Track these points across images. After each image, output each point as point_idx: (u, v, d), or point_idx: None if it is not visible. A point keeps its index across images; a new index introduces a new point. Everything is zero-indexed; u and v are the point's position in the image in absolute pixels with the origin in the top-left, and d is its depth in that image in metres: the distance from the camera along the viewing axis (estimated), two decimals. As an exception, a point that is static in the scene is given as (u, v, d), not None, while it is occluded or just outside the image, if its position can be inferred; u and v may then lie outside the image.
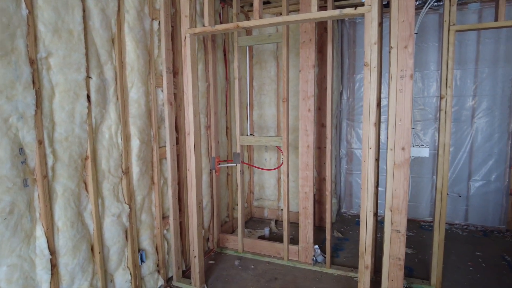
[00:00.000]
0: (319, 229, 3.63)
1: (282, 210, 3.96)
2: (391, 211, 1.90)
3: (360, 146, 4.15)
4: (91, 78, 1.93)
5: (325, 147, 3.63)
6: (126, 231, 2.23)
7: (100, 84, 1.99)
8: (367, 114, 1.88)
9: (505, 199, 3.69)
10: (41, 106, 1.67)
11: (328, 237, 2.79)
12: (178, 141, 2.69)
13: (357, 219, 4.09)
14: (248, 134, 3.08)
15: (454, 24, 2.29)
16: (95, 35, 1.97)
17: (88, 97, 1.90)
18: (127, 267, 2.23)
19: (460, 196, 3.84)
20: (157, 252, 2.56)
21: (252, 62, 3.93)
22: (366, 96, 1.87)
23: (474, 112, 3.76)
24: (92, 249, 1.98)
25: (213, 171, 3.15)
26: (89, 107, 1.91)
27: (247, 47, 3.29)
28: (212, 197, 3.19)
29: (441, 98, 2.38)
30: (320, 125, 3.69)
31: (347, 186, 4.32)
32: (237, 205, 3.82)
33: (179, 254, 2.68)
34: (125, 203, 2.21)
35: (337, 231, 3.69)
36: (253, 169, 4.09)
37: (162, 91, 2.53)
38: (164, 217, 2.62)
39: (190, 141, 2.42)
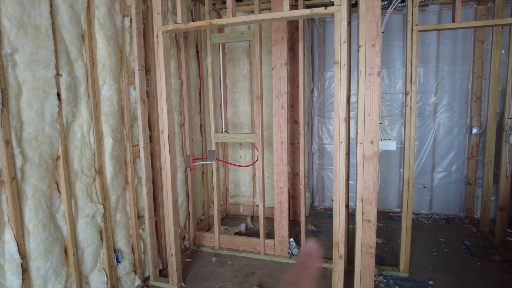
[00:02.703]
0: (293, 223, 3.72)
1: (257, 206, 4.02)
2: (362, 201, 1.99)
3: (331, 142, 4.29)
4: (61, 76, 1.87)
5: (298, 143, 3.73)
6: (101, 232, 2.19)
7: (70, 82, 1.94)
8: (338, 110, 1.96)
9: (464, 188, 3.96)
10: (7, 105, 1.61)
11: (302, 230, 2.87)
12: (152, 140, 2.66)
13: (329, 212, 4.23)
14: (223, 132, 3.10)
15: (416, 25, 2.43)
16: (64, 32, 1.91)
17: (59, 95, 1.85)
18: (103, 268, 2.19)
19: (425, 187, 4.07)
20: (133, 252, 2.53)
21: (225, 60, 3.94)
22: (337, 93, 1.95)
23: (436, 107, 3.99)
24: (65, 251, 1.93)
25: (188, 169, 3.14)
26: (59, 106, 1.85)
27: (220, 45, 3.30)
28: (187, 195, 3.19)
29: (406, 94, 2.51)
30: (293, 121, 3.77)
31: (319, 180, 4.44)
32: (213, 202, 3.84)
33: (155, 253, 2.66)
34: (99, 203, 2.17)
35: (311, 224, 3.79)
36: (228, 167, 4.12)
37: (135, 88, 2.50)
38: (139, 217, 2.59)
39: (164, 139, 2.41)
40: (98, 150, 2.16)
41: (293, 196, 3.87)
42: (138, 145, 2.53)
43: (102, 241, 2.19)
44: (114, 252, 2.32)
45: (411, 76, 2.48)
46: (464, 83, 3.88)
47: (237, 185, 4.14)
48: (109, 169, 2.25)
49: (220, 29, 3.75)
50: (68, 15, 1.91)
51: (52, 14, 1.81)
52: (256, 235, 3.23)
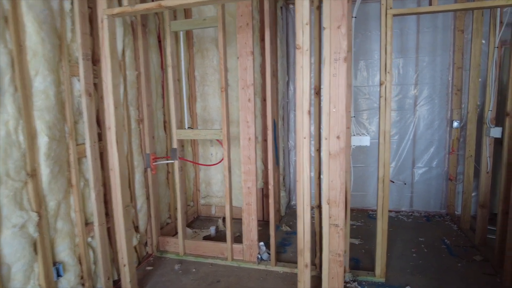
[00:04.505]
0: (268, 224, 3.49)
1: (230, 206, 3.78)
2: (329, 204, 1.78)
3: (309, 137, 4.07)
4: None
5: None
6: (35, 243, 1.91)
7: (-14, 71, 1.65)
8: (300, 101, 1.74)
9: (445, 184, 3.81)
10: None
11: (272, 233, 2.66)
12: (101, 137, 2.39)
13: (307, 211, 4.02)
14: (186, 128, 2.85)
15: (391, 8, 2.22)
16: (-23, 11, 1.62)
17: (-32, 86, 1.56)
18: (38, 285, 1.92)
19: (405, 184, 3.90)
20: (81, 263, 2.26)
21: (193, 51, 3.68)
22: (299, 82, 1.72)
23: (416, 100, 3.82)
24: (-16, 269, 1.66)
25: (149, 169, 2.88)
26: (-30, 98, 1.57)
27: (182, 33, 3.02)
28: (148, 197, 2.92)
29: (380, 84, 2.31)
30: (265, 116, 3.54)
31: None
32: (181, 204, 3.58)
33: (108, 263, 2.40)
34: (32, 210, 1.89)
35: (286, 225, 3.58)
36: (199, 165, 3.86)
37: (79, 80, 2.22)
38: (88, 223, 2.32)
39: (111, 136, 2.14)
40: (30, 150, 1.88)
41: (267, 195, 3.64)
42: (84, 143, 2.26)
43: (36, 253, 1.91)
44: (54, 265, 2.05)
45: (385, 65, 2.27)
46: (444, 74, 3.71)
47: (209, 184, 3.89)
48: (45, 171, 1.97)
49: (187, 14, 3.48)
50: (-18, -9, 1.62)
51: (-41, -11, 1.53)
52: (224, 238, 3.00)
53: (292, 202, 4.26)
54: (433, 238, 3.20)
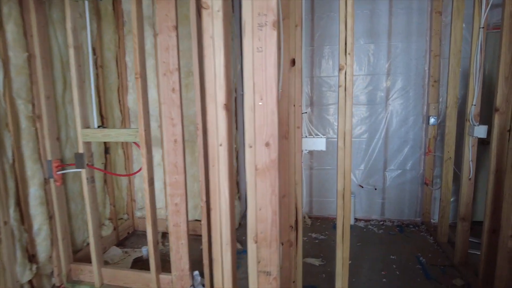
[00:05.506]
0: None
1: (172, 219, 3.16)
2: (256, 242, 1.21)
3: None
4: None
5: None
6: None
7: None
8: (212, 90, 1.15)
9: (420, 189, 3.35)
10: None
11: (205, 261, 2.07)
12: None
13: (265, 221, 3.47)
14: (96, 126, 2.21)
15: (352, -32, 1.66)
16: None
17: None
18: None
19: (376, 189, 3.41)
20: None
21: (123, 31, 3.01)
22: (209, 61, 1.13)
23: (389, 93, 3.32)
24: None
25: (51, 180, 2.23)
26: None
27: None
28: (51, 216, 2.27)
29: (339, 69, 1.76)
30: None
31: (255, 183, 3.67)
32: (108, 219, 2.95)
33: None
34: None
35: (236, 241, 3.01)
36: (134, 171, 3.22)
37: None
38: None
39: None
40: None
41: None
42: None
43: None
44: None
45: (345, 44, 1.72)
46: (420, 63, 3.23)
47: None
48: None
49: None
50: None
51: None
52: (166, 259, 2.41)
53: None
54: (407, 255, 2.72)
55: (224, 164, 1.18)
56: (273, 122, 1.13)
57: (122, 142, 3.08)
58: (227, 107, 1.17)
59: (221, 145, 1.18)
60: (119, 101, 3.04)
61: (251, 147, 1.15)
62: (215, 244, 1.24)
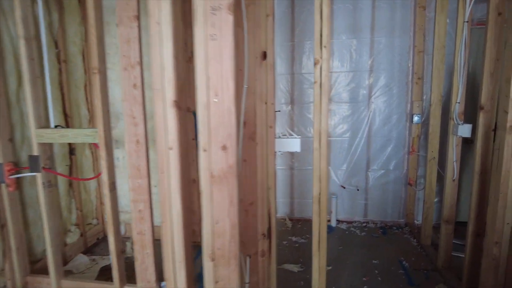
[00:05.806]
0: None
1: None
2: (213, 260, 1.05)
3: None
4: None
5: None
6: None
7: None
8: (158, 85, 0.99)
9: (404, 190, 3.25)
10: None
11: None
12: None
13: (245, 224, 3.33)
14: (53, 126, 2.02)
15: (328, -48, 1.51)
16: None
17: None
18: None
19: (358, 190, 3.30)
20: None
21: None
22: (155, 51, 0.97)
23: (371, 90, 3.21)
24: None
25: (3, 185, 2.02)
26: None
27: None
28: (2, 225, 2.07)
29: (315, 64, 1.62)
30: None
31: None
32: (75, 225, 2.75)
33: None
34: None
35: (213, 248, 2.86)
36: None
37: None
38: None
39: None
40: None
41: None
42: None
43: None
44: None
45: (321, 35, 1.57)
46: (404, 59, 3.12)
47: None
48: None
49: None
50: None
51: None
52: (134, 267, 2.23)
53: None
54: (389, 259, 2.62)
55: (176, 171, 1.03)
56: (231, 122, 0.97)
57: (89, 143, 2.87)
58: (177, 104, 1.01)
59: (171, 148, 1.02)
60: (86, 98, 2.84)
61: (205, 151, 0.99)
62: (166, 262, 1.09)
